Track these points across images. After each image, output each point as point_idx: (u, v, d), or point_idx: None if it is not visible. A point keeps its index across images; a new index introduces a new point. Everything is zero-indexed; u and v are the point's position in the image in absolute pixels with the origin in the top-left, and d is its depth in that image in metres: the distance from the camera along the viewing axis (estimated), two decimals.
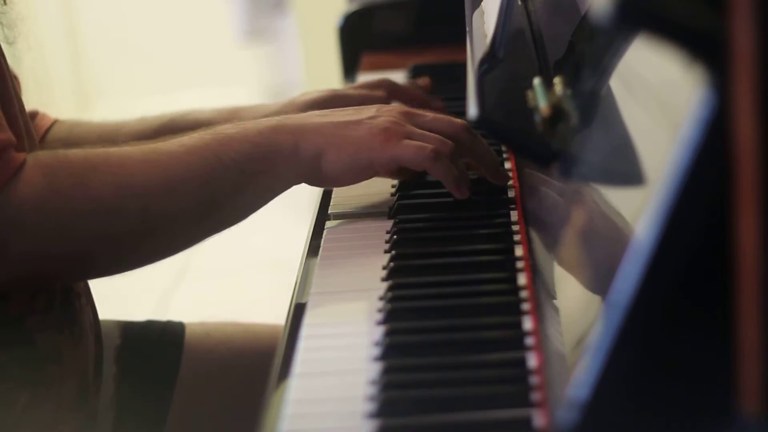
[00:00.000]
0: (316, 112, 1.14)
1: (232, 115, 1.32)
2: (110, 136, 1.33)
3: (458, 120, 1.15)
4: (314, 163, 1.09)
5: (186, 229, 1.09)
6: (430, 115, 1.15)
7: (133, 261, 1.09)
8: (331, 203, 1.18)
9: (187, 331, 1.35)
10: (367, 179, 1.12)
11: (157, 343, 1.32)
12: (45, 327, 1.11)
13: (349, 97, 1.31)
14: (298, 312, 0.97)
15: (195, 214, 1.08)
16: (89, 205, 1.04)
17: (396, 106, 1.15)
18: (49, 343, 1.12)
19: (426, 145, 1.10)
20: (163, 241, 1.09)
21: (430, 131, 1.12)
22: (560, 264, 0.92)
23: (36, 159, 1.03)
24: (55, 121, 1.36)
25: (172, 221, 1.07)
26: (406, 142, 1.10)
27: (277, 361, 0.90)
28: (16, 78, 1.27)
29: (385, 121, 1.11)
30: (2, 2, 1.15)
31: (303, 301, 0.98)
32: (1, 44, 1.14)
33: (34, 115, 1.33)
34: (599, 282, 0.76)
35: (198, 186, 1.07)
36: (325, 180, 1.12)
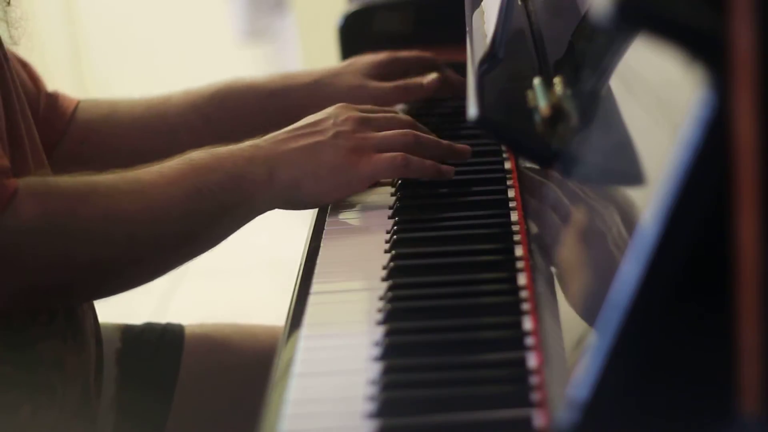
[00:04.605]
0: (281, 135, 1.14)
1: (283, 80, 1.35)
2: (159, 108, 1.35)
3: (404, 118, 1.20)
4: (290, 192, 1.12)
5: (167, 257, 1.11)
6: (380, 117, 1.18)
7: (117, 287, 1.11)
8: (330, 203, 1.18)
9: (187, 332, 1.35)
10: (345, 198, 1.15)
11: (157, 345, 1.32)
12: (48, 337, 1.12)
13: (406, 60, 1.38)
14: (298, 312, 0.97)
15: (176, 242, 1.10)
16: (80, 234, 1.05)
17: (349, 114, 1.16)
18: (53, 352, 1.12)
19: (396, 155, 1.13)
20: (145, 268, 1.11)
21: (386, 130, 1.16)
22: (560, 264, 0.92)
23: (27, 186, 1.03)
24: (78, 102, 1.36)
25: (155, 249, 1.09)
26: (376, 157, 1.13)
27: (277, 360, 0.90)
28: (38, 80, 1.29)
29: (350, 137, 1.13)
30: (6, 2, 1.15)
31: (303, 301, 0.98)
32: (6, 44, 1.15)
33: (54, 97, 1.34)
34: (599, 282, 0.76)
35: (179, 216, 1.09)
36: (304, 206, 1.15)
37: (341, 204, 1.18)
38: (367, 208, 1.17)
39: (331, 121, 1.15)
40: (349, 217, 1.15)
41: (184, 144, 1.22)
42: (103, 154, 1.34)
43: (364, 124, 1.15)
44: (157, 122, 1.33)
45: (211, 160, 1.10)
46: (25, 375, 1.11)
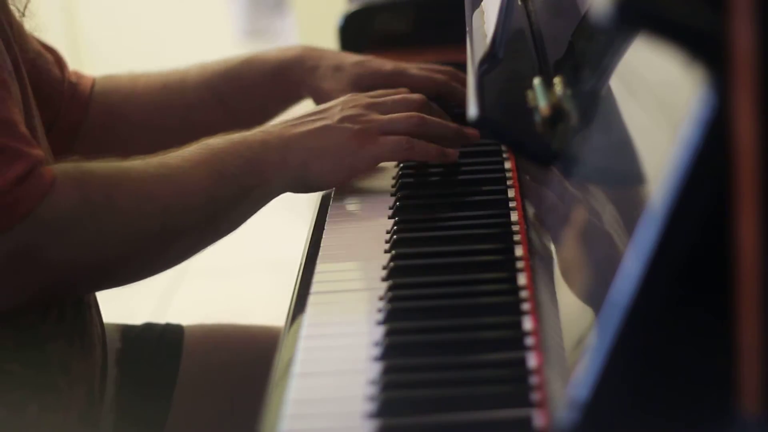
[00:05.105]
0: (290, 121, 1.17)
1: (297, 55, 1.36)
2: (176, 86, 1.37)
3: (414, 98, 1.22)
4: (300, 173, 1.14)
5: (194, 240, 1.13)
6: (388, 100, 1.21)
7: (146, 272, 1.13)
8: (330, 203, 1.18)
9: (186, 333, 1.35)
10: (350, 180, 1.18)
11: (156, 345, 1.33)
12: (56, 337, 1.13)
13: (413, 79, 1.35)
14: (298, 312, 0.97)
15: (202, 226, 1.12)
16: (115, 218, 1.07)
17: (358, 100, 1.20)
18: (59, 353, 1.13)
19: (400, 138, 1.16)
20: (174, 251, 1.12)
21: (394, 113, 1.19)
22: (560, 264, 0.92)
23: (64, 173, 1.05)
24: (95, 81, 1.37)
25: (184, 233, 1.11)
26: (382, 139, 1.16)
27: (277, 360, 0.90)
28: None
29: (356, 120, 1.16)
30: (20, 14, 1.17)
31: (303, 301, 0.98)
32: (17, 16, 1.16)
33: (75, 83, 1.34)
34: (599, 282, 0.76)
35: (205, 199, 1.11)
36: (311, 188, 1.17)
37: (341, 204, 1.18)
38: (367, 208, 1.17)
39: (339, 107, 1.18)
40: (349, 217, 1.16)
41: (196, 121, 1.24)
42: (124, 134, 1.36)
43: (371, 108, 1.19)
44: (174, 100, 1.35)
45: (227, 145, 1.13)
46: (33, 375, 1.11)
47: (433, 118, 1.20)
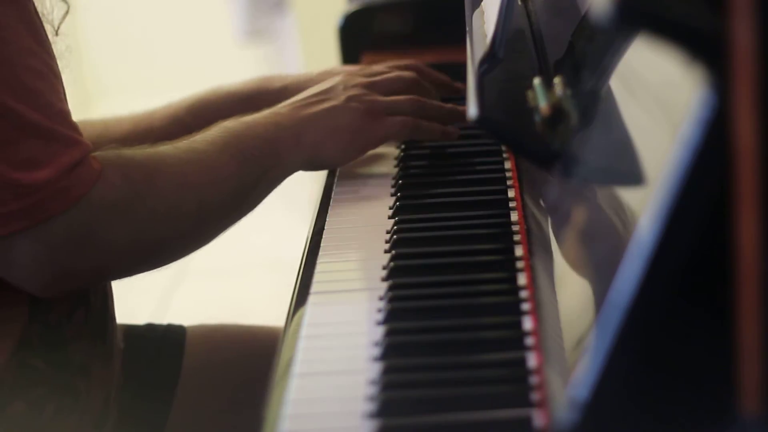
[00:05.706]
0: (296, 102, 1.21)
1: (258, 84, 1.39)
2: (144, 123, 1.39)
3: (406, 74, 1.29)
4: (314, 152, 1.19)
5: (224, 220, 1.17)
6: (384, 79, 1.26)
7: (180, 253, 1.16)
8: (331, 203, 1.18)
9: (188, 333, 1.35)
10: (360, 157, 1.23)
11: (158, 346, 1.33)
12: (79, 337, 1.14)
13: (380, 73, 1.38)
14: (297, 312, 0.97)
15: (231, 206, 1.16)
16: (159, 203, 1.10)
17: (357, 81, 1.24)
18: (81, 353, 1.14)
19: (406, 118, 1.23)
20: (208, 231, 1.16)
21: (392, 93, 1.25)
22: (560, 264, 0.92)
23: (106, 160, 1.07)
24: None
25: (217, 214, 1.15)
26: (390, 119, 1.22)
27: (277, 360, 0.90)
28: None
29: (362, 100, 1.21)
30: (54, 33, 1.17)
31: (303, 301, 0.98)
32: None
33: None
34: (599, 282, 0.76)
35: (234, 180, 1.15)
36: (323, 166, 1.23)
37: (341, 204, 1.18)
38: (367, 207, 1.17)
39: (341, 87, 1.23)
40: (348, 216, 1.16)
41: None
42: None
43: (371, 88, 1.24)
44: (143, 137, 1.35)
45: (245, 128, 1.17)
46: (54, 373, 1.12)
47: (431, 101, 1.26)
